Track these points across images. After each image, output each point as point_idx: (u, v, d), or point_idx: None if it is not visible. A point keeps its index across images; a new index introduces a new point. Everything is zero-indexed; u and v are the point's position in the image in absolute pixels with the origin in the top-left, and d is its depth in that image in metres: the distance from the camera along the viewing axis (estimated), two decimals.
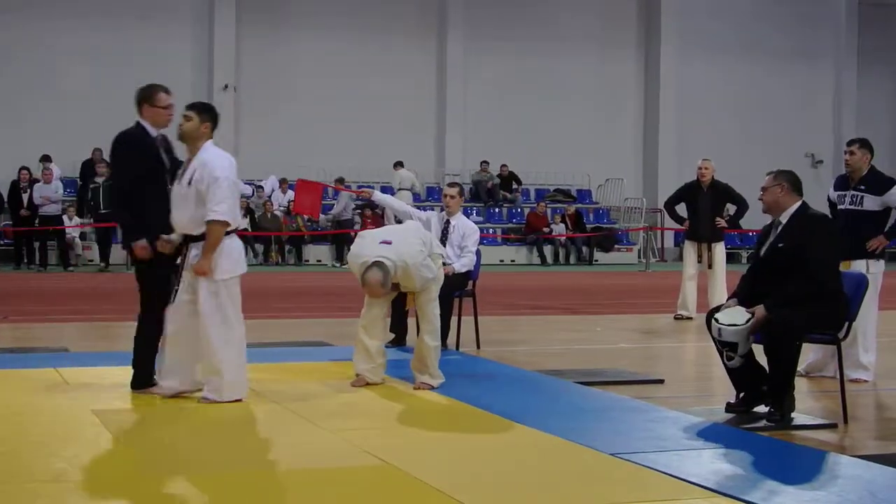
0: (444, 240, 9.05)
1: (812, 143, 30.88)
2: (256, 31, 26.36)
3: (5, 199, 21.76)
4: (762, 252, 6.68)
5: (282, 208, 24.42)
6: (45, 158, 22.03)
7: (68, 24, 24.83)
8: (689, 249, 12.84)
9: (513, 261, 25.87)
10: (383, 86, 26.99)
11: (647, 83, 29.75)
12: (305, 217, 23.28)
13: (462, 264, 9.19)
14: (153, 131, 6.95)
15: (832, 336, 6.56)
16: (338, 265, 23.20)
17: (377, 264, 6.95)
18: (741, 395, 6.58)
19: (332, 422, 6.08)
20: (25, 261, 21.33)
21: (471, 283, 9.44)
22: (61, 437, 5.69)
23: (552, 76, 28.54)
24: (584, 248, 26.68)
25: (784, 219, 6.62)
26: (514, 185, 27.82)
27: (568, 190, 28.60)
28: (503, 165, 27.50)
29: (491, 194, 27.37)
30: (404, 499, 4.63)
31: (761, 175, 6.95)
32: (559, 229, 26.47)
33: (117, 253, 20.31)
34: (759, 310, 6.33)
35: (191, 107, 6.70)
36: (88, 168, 22.54)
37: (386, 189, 22.44)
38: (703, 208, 12.58)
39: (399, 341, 9.08)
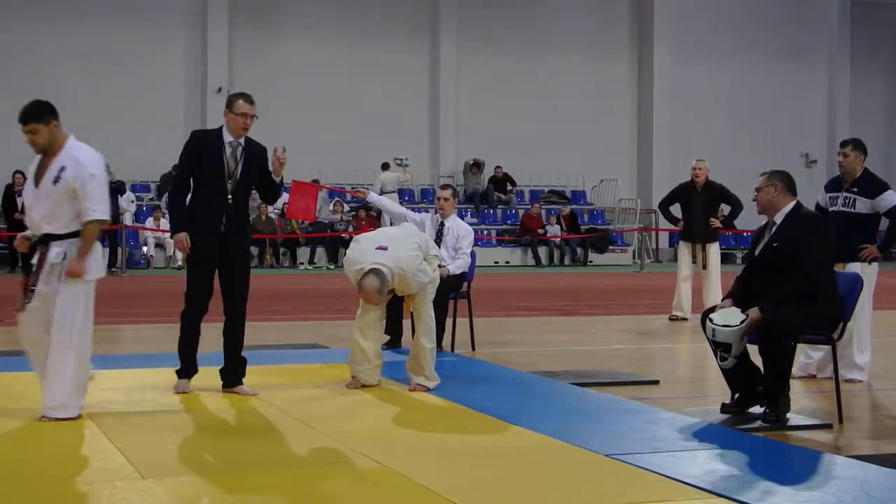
0: (438, 242, 9.06)
1: (805, 143, 30.94)
2: (249, 33, 26.35)
3: None
4: (757, 252, 6.69)
5: (276, 211, 24.37)
6: None
7: (62, 26, 24.80)
8: (684, 250, 12.83)
9: (507, 262, 25.84)
10: (376, 87, 27.01)
11: (640, 84, 29.76)
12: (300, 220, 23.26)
13: (457, 266, 9.20)
14: (228, 136, 6.95)
15: (827, 336, 6.57)
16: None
17: (374, 271, 6.95)
18: (736, 395, 6.59)
19: (327, 424, 6.08)
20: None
21: (466, 284, 9.46)
22: (54, 440, 5.68)
23: (546, 77, 28.53)
24: (579, 250, 26.66)
25: (778, 219, 6.64)
26: (509, 187, 27.82)
27: (562, 191, 28.61)
28: (497, 167, 27.49)
29: (484, 198, 27.37)
30: (400, 501, 4.64)
31: (755, 175, 6.97)
32: (554, 230, 26.45)
33: (117, 253, 20.20)
34: (754, 311, 6.35)
35: (25, 121, 6.26)
36: None
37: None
38: (698, 209, 12.58)
39: (394, 343, 9.09)
